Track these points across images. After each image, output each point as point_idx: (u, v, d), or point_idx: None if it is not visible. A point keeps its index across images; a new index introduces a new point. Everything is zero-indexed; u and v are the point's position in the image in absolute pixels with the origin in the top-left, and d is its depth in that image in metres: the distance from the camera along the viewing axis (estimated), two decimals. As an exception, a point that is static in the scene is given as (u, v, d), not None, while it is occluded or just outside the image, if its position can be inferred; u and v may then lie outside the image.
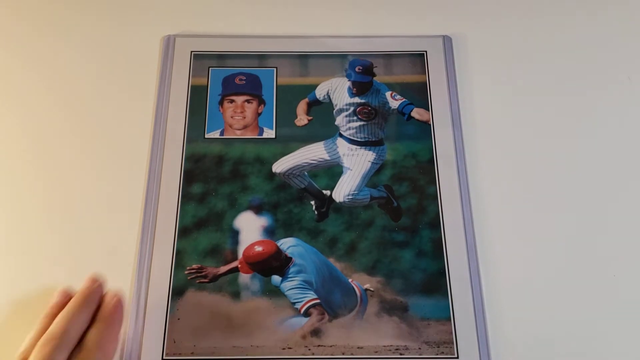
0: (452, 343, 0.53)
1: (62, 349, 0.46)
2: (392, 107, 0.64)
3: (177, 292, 0.55)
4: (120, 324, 0.51)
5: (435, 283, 0.55)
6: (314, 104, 0.65)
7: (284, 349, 0.52)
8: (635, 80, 0.66)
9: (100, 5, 0.71)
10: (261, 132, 0.63)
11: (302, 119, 0.64)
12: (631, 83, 0.66)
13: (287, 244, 0.57)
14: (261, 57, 0.67)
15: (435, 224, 0.58)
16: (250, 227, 0.58)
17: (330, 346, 0.53)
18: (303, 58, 0.67)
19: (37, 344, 0.46)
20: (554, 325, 0.54)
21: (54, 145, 0.62)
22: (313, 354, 0.52)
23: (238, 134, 0.63)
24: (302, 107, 0.64)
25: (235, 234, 0.58)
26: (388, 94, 0.64)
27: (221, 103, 0.64)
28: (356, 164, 0.62)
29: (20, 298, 0.55)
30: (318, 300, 0.54)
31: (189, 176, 0.60)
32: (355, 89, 0.64)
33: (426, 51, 0.67)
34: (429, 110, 0.63)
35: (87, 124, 0.63)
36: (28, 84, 0.66)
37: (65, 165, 0.61)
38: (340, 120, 0.64)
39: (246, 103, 0.65)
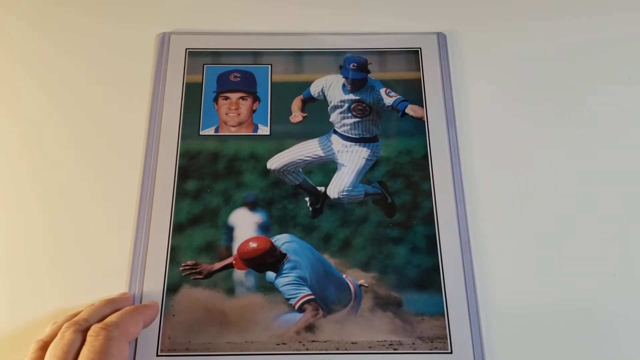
0: (446, 338, 0.53)
1: (82, 332, 0.47)
2: (387, 104, 0.64)
3: (171, 288, 0.55)
4: (146, 316, 0.51)
5: (429, 279, 0.55)
6: (308, 100, 0.65)
7: (278, 344, 0.52)
8: (635, 80, 0.66)
9: (95, 3, 0.71)
10: (256, 129, 0.63)
11: (296, 116, 0.64)
12: (630, 81, 0.66)
13: (282, 240, 0.57)
14: (256, 55, 0.67)
15: (429, 220, 0.58)
16: (244, 224, 0.58)
17: (325, 341, 0.53)
18: (297, 55, 0.67)
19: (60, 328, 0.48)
20: (548, 320, 0.54)
21: (49, 142, 0.62)
22: (307, 349, 0.52)
23: (233, 131, 0.63)
24: (296, 104, 0.65)
25: (229, 231, 0.58)
26: (382, 90, 0.64)
27: (216, 100, 0.64)
28: (350, 161, 0.62)
29: (13, 296, 0.55)
30: (312, 296, 0.55)
31: (184, 173, 0.60)
32: (349, 86, 0.65)
33: (420, 48, 0.67)
34: (423, 107, 0.64)
35: (82, 120, 0.63)
36: (23, 81, 0.66)
37: (60, 162, 0.61)
38: (334, 117, 0.64)
39: (241, 100, 0.65)
